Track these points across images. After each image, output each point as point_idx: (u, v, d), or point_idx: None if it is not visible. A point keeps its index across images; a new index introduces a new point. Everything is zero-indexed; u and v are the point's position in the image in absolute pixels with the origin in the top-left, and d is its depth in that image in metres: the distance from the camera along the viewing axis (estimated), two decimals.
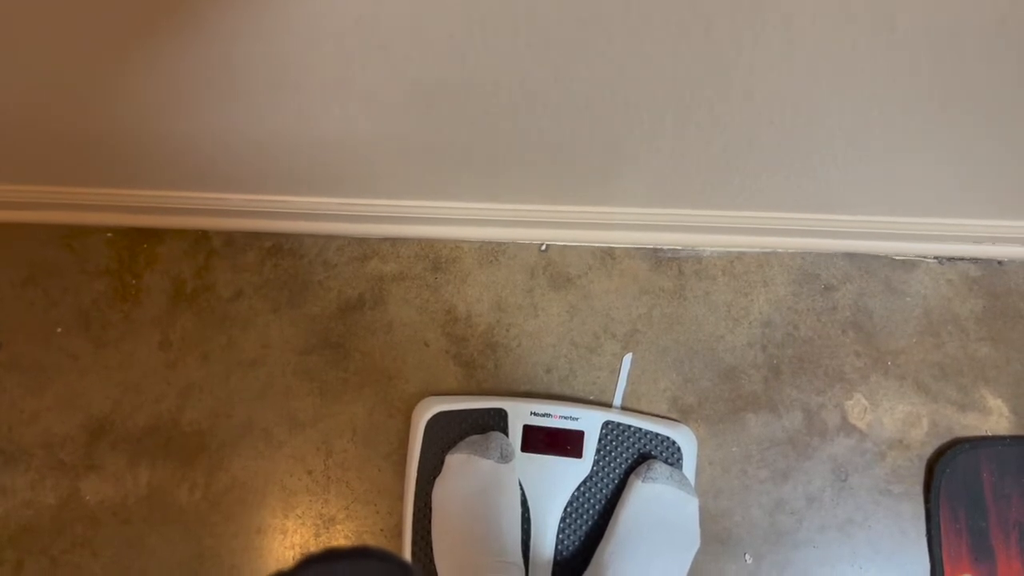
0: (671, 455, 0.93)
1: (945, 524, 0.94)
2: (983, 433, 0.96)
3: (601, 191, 0.87)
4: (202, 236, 1.02)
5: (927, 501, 0.95)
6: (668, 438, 0.93)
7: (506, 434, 0.94)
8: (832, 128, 0.68)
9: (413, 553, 0.92)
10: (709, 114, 0.66)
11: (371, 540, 0.95)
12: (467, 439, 0.92)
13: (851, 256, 0.99)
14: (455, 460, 0.90)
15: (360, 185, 0.89)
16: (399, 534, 0.94)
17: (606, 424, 0.94)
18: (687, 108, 0.65)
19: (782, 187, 0.84)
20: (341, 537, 0.96)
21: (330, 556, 0.52)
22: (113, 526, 0.97)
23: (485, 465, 0.89)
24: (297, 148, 0.76)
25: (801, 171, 0.79)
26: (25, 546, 0.97)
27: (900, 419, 0.96)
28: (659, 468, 0.89)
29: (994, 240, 0.94)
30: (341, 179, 0.87)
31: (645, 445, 0.93)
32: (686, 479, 0.91)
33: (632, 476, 0.91)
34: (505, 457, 0.90)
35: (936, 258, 0.99)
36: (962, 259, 0.99)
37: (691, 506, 0.89)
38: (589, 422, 0.94)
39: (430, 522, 0.92)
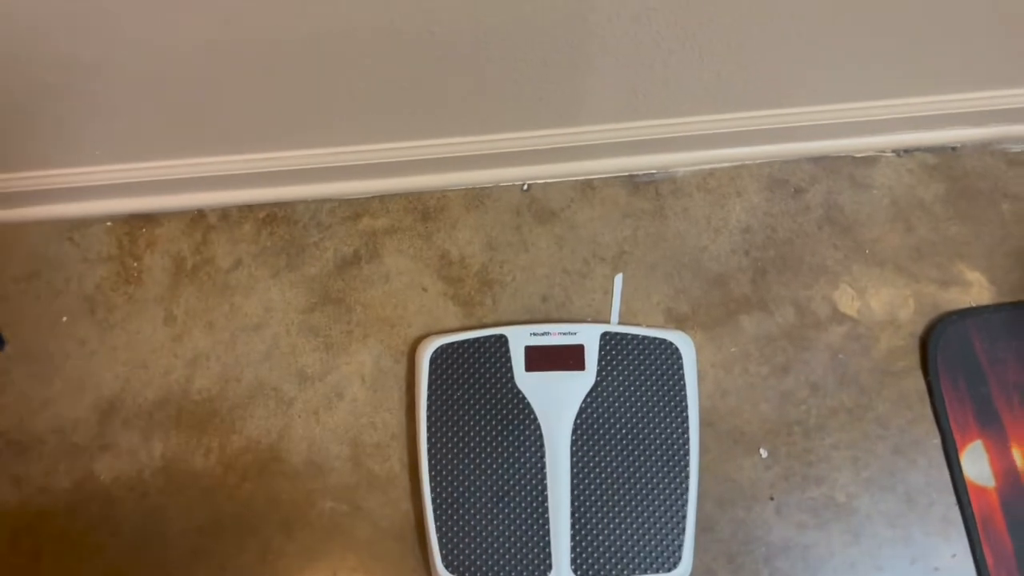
0: (670, 356, 0.95)
1: (948, 395, 0.96)
2: (967, 305, 0.99)
3: (571, 107, 0.93)
4: (198, 215, 1.06)
5: (926, 375, 0.97)
6: (666, 340, 0.96)
7: (508, 357, 0.96)
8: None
9: (432, 487, 0.93)
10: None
11: (389, 479, 0.96)
12: None
13: (815, 160, 1.05)
14: None
15: (346, 132, 0.95)
16: (416, 472, 0.94)
17: (604, 335, 0.96)
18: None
19: (743, 80, 0.90)
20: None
21: None
22: (130, 501, 0.97)
23: None
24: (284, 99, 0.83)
25: (759, 60, 0.86)
26: (42, 532, 0.96)
27: (887, 302, 1.00)
28: None
29: (944, 123, 1.01)
30: (326, 128, 0.93)
31: (644, 350, 0.96)
32: None
33: None
34: None
35: (894, 151, 1.05)
36: (918, 149, 1.05)
37: None
38: (588, 335, 0.96)
39: (445, 456, 0.93)
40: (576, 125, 0.96)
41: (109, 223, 1.06)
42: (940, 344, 0.97)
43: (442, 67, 0.83)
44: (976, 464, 0.94)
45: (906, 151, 1.05)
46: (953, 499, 0.93)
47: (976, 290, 0.99)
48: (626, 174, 1.05)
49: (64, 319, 1.03)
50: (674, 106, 0.94)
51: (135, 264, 1.05)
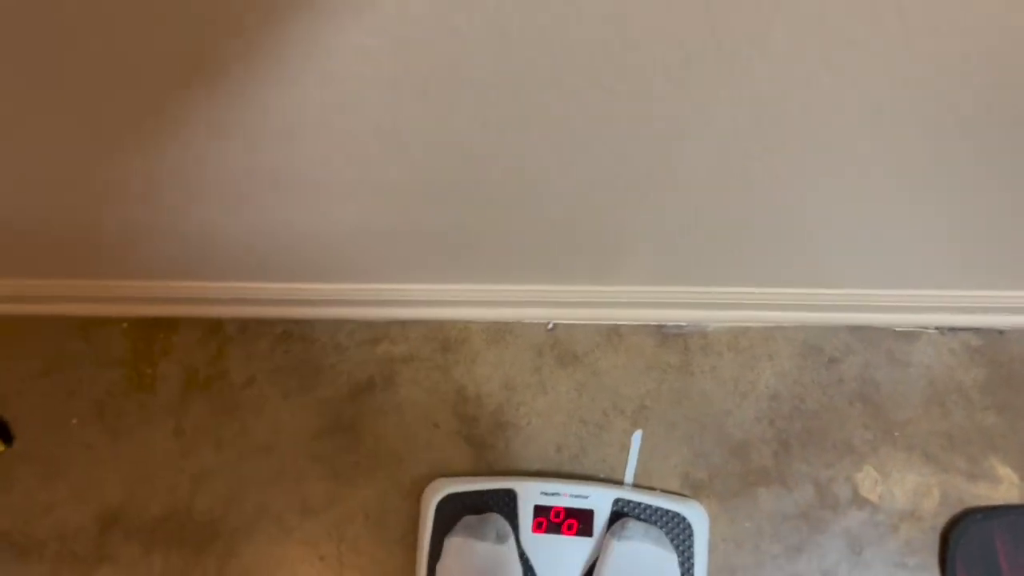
0: (682, 531, 0.93)
1: None
2: (994, 502, 0.96)
3: (606, 271, 0.90)
4: (216, 324, 1.04)
5: (943, 573, 0.94)
6: (678, 514, 0.93)
7: (516, 514, 0.94)
8: (827, 205, 0.71)
9: None
10: (708, 199, 0.69)
11: None
12: (463, 521, 0.93)
13: (853, 329, 1.01)
14: (453, 544, 0.91)
15: (371, 271, 0.92)
16: None
17: (616, 502, 0.94)
18: (688, 192, 0.68)
19: (782, 263, 0.86)
20: None
21: None
22: None
23: (482, 547, 0.89)
24: (311, 239, 0.79)
25: (800, 249, 0.81)
26: None
27: (911, 490, 0.96)
28: (633, 526, 0.90)
29: (994, 310, 0.96)
30: (352, 267, 0.90)
31: (655, 522, 0.93)
32: (663, 535, 0.91)
33: (607, 536, 0.91)
34: (501, 538, 0.90)
35: (937, 328, 1.01)
36: (963, 329, 1.00)
37: (670, 562, 0.89)
38: (599, 500, 0.94)
39: None
40: (607, 285, 0.93)
41: (125, 324, 1.05)
42: (961, 543, 0.94)
43: (472, 225, 0.79)
44: None
45: (950, 329, 1.00)
46: None
47: (1005, 487, 0.96)
48: (655, 324, 1.02)
49: (74, 421, 1.02)
50: (711, 279, 0.90)
51: (149, 371, 1.03)
